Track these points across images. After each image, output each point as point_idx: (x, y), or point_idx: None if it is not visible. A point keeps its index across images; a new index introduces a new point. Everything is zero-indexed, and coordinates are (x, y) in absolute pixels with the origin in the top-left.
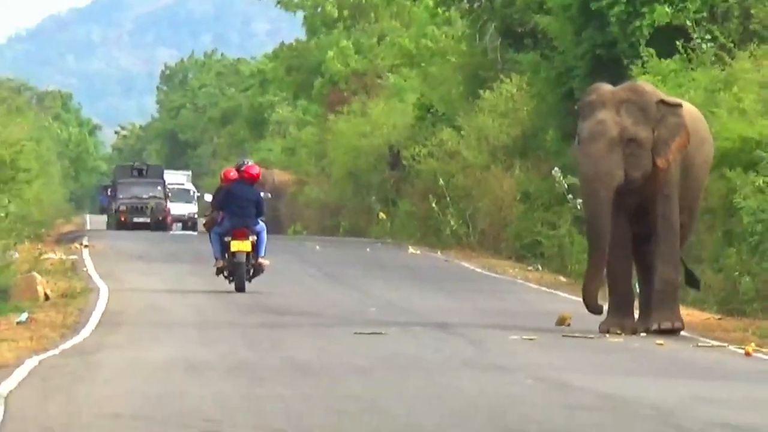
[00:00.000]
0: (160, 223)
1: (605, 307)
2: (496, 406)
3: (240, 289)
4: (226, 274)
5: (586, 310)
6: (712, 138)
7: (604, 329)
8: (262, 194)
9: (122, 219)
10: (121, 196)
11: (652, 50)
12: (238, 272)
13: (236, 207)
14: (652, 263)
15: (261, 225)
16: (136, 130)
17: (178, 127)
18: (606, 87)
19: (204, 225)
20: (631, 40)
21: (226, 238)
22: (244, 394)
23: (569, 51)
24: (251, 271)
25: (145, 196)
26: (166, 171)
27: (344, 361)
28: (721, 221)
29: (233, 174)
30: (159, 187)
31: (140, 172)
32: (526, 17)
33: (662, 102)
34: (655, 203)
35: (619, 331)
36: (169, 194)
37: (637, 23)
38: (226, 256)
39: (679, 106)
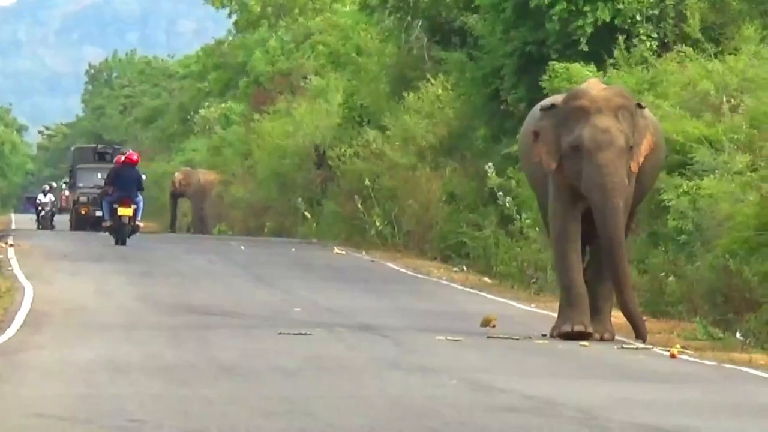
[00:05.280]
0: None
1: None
2: (420, 407)
3: (122, 243)
4: (112, 232)
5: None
6: (664, 146)
7: (568, 329)
8: (143, 176)
9: (82, 213)
10: (80, 185)
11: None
12: (121, 230)
13: (122, 183)
14: (598, 268)
15: (140, 197)
16: (62, 129)
17: (103, 127)
18: (593, 91)
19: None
20: (571, 38)
21: (114, 205)
22: (169, 394)
23: (497, 50)
24: (131, 230)
25: None
26: None
27: (269, 361)
28: (646, 222)
29: (122, 159)
30: None
31: (103, 157)
32: (453, 15)
33: (638, 105)
34: None
35: (582, 329)
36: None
37: (580, 22)
38: (113, 218)
39: (644, 107)
